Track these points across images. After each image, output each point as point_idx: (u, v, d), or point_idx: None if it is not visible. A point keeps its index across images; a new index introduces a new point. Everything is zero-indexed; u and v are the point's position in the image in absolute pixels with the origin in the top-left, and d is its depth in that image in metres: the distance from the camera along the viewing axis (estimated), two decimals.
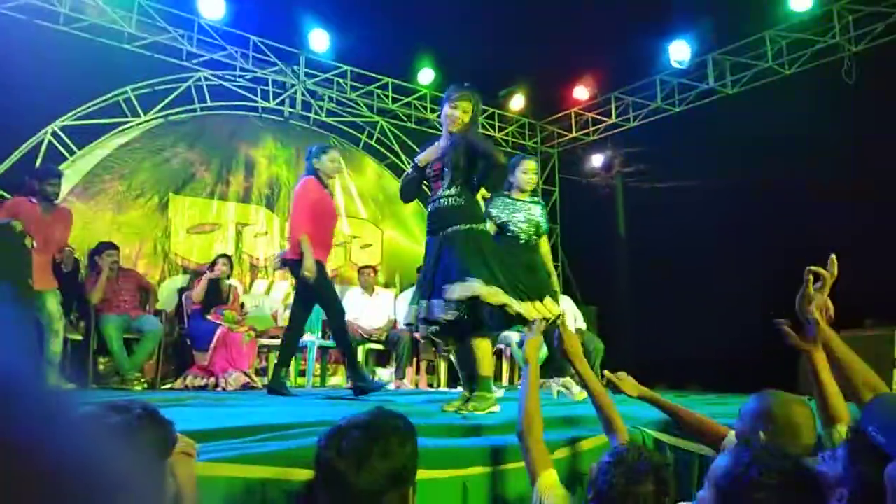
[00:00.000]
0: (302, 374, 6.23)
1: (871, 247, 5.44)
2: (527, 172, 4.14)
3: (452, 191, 3.12)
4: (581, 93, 8.38)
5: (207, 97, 6.78)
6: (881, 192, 5.53)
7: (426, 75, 7.87)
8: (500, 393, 3.83)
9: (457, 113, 3.13)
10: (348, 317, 6.28)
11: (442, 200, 3.13)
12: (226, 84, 6.94)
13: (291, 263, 3.96)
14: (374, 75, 7.78)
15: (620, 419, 1.97)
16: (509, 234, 4.04)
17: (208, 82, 6.80)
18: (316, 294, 3.94)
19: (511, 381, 6.33)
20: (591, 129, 8.68)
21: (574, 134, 8.85)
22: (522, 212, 4.09)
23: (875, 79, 5.92)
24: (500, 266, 3.02)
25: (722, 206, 6.64)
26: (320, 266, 3.92)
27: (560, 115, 8.81)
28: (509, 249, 3.81)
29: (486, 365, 3.09)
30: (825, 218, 5.67)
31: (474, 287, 2.87)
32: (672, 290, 6.91)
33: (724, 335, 6.09)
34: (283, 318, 6.48)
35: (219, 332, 5.32)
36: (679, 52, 7.33)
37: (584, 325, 6.24)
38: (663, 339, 6.84)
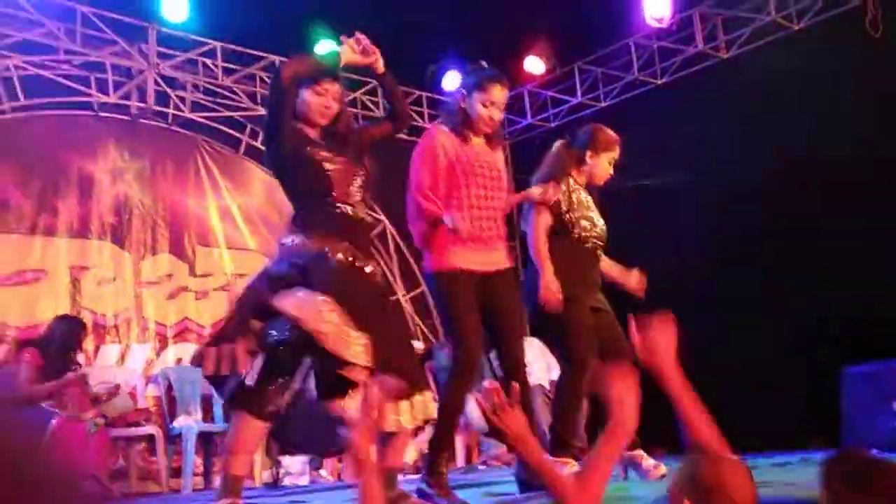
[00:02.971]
0: (177, 472, 6.04)
1: None
2: (615, 149, 3.89)
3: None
4: (535, 65, 8.43)
5: (20, 93, 6.67)
6: None
7: (325, 49, 7.74)
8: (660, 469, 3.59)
9: (326, 101, 3.01)
10: None
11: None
12: (46, 73, 6.79)
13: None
14: (254, 52, 7.67)
15: None
16: (587, 244, 3.79)
17: (21, 72, 6.66)
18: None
19: (468, 461, 6.21)
20: (552, 111, 8.75)
21: (530, 120, 8.90)
22: (591, 207, 3.86)
23: None
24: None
25: (732, 206, 6.70)
26: (452, 276, 3.32)
27: (510, 95, 8.82)
28: (584, 268, 3.72)
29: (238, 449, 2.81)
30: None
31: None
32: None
33: (745, 386, 6.12)
34: (147, 396, 6.27)
35: (53, 423, 5.06)
36: (656, 6, 7.46)
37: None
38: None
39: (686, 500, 1.70)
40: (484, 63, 3.49)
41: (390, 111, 3.21)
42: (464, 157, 3.32)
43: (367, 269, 2.87)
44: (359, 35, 2.97)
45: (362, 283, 2.84)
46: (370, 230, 3.05)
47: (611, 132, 3.93)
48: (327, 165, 2.87)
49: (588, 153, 3.86)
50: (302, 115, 2.94)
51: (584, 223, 3.77)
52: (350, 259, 2.83)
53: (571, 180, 3.83)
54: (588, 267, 3.79)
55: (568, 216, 3.74)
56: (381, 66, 3.03)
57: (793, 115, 6.37)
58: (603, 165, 3.86)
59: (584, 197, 3.84)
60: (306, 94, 2.93)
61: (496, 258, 3.41)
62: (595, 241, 3.82)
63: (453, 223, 3.10)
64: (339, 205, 2.86)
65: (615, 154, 3.89)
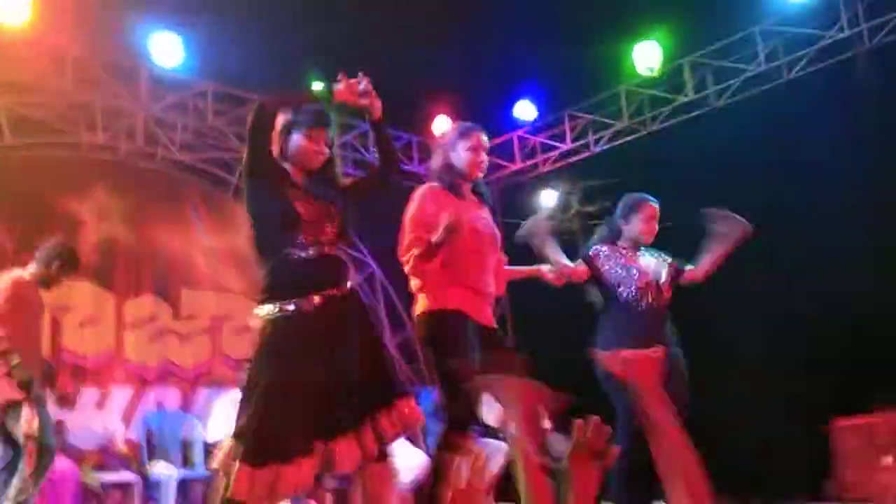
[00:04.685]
0: None
1: None
2: (652, 220, 4.04)
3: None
4: (525, 111, 8.44)
5: (6, 132, 6.66)
6: None
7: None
8: None
9: (318, 147, 2.86)
10: (222, 436, 5.95)
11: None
12: (34, 113, 6.76)
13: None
14: (244, 94, 7.60)
15: None
16: (638, 305, 3.92)
17: (7, 112, 6.64)
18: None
19: None
20: (541, 157, 8.77)
21: (519, 164, 8.88)
22: (636, 263, 4.02)
23: None
24: None
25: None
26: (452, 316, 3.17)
27: (499, 140, 8.83)
28: (636, 328, 3.82)
29: None
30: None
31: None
32: None
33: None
34: (125, 442, 6.10)
35: None
36: (648, 56, 7.48)
37: None
38: None
39: None
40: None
41: (380, 165, 3.03)
42: (459, 214, 3.14)
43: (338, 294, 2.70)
44: (361, 75, 2.85)
45: (339, 329, 2.66)
46: (342, 263, 2.79)
47: (636, 195, 4.09)
48: (300, 208, 2.71)
49: (620, 223, 4.07)
50: (292, 158, 2.82)
51: (628, 283, 3.91)
52: (322, 301, 2.65)
53: (608, 249, 4.02)
54: (641, 326, 3.86)
55: (607, 286, 3.94)
56: (377, 111, 2.88)
57: (787, 165, 6.35)
58: (637, 226, 4.02)
59: (625, 262, 3.98)
60: (298, 139, 2.81)
61: (488, 314, 3.28)
62: (645, 299, 3.91)
63: (447, 222, 2.98)
64: (307, 249, 2.69)
65: (648, 211, 4.02)
